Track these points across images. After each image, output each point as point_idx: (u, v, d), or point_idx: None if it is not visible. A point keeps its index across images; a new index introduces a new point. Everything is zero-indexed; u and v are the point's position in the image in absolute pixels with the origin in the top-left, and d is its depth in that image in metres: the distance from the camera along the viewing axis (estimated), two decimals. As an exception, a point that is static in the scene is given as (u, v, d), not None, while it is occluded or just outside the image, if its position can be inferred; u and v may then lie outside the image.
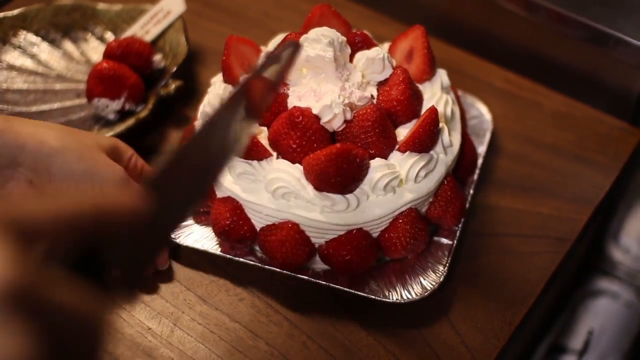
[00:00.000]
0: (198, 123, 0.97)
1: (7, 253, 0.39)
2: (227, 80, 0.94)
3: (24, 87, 1.11)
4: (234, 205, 0.88)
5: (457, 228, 0.93)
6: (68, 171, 0.83)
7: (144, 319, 0.88)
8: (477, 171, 0.99)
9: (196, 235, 0.92)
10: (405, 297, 0.87)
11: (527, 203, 1.00)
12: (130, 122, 1.02)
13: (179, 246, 0.92)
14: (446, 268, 0.89)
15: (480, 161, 1.00)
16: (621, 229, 1.37)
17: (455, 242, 0.92)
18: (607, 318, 1.33)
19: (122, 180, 0.86)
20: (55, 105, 1.09)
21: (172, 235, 0.91)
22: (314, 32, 0.89)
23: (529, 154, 1.05)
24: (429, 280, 0.88)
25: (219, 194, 0.90)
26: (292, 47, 0.67)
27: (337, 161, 0.81)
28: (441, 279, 0.88)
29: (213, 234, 0.92)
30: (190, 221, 0.93)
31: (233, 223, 0.87)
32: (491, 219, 0.98)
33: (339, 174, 0.82)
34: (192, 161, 0.56)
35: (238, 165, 0.87)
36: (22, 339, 0.38)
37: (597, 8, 1.09)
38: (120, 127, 1.02)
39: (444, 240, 0.92)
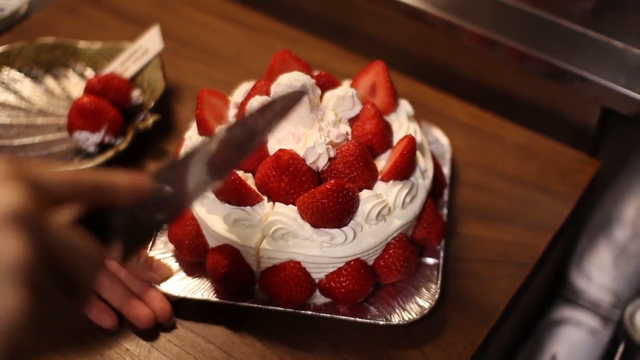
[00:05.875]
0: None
1: (20, 190, 0.50)
2: (202, 133, 0.95)
3: (7, 121, 1.14)
4: (230, 252, 0.89)
5: (439, 247, 0.97)
6: None
7: (122, 341, 0.90)
8: (447, 191, 1.03)
9: (192, 286, 0.93)
10: (406, 318, 0.90)
11: (490, 230, 1.04)
12: (109, 154, 1.06)
13: (181, 300, 0.93)
14: (438, 286, 0.93)
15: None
16: (584, 258, 1.40)
17: (441, 260, 0.96)
18: (571, 345, 1.36)
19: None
20: (37, 139, 1.12)
21: (176, 292, 0.92)
22: (286, 77, 0.92)
23: (491, 184, 1.09)
24: (424, 299, 0.92)
25: (213, 243, 0.92)
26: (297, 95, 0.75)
27: (332, 197, 0.84)
28: (436, 296, 0.92)
29: (206, 283, 0.93)
30: (181, 274, 0.94)
31: (233, 269, 0.89)
32: (456, 245, 1.01)
33: (335, 209, 0.85)
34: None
35: (232, 212, 0.88)
36: (20, 243, 0.47)
37: (555, 45, 1.14)
38: (100, 159, 1.05)
39: (430, 260, 0.96)
